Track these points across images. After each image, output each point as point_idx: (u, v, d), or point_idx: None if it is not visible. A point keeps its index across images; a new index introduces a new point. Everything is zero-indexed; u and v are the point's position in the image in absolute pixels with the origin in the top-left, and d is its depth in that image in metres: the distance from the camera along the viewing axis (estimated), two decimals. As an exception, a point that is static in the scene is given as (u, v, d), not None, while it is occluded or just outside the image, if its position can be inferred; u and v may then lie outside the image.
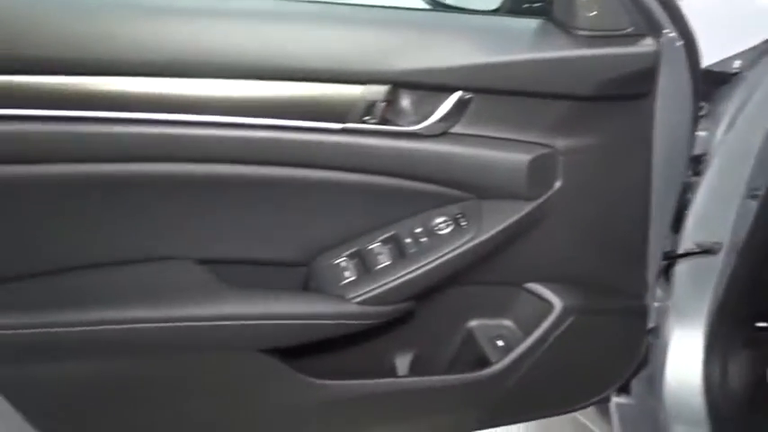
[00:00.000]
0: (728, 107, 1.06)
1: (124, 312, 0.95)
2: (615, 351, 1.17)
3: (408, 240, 1.02)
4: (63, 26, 0.87)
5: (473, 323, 1.15)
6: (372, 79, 0.91)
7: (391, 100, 0.93)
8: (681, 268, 1.11)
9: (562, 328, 1.10)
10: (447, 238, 1.01)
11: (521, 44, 0.93)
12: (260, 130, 0.92)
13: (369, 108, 0.92)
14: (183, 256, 1.01)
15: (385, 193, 1.00)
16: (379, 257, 1.02)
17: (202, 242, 1.01)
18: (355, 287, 1.00)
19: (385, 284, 1.00)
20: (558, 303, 1.10)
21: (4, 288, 0.96)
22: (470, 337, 1.15)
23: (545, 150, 0.99)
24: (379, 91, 0.92)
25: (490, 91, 0.94)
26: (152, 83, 0.89)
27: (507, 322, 1.15)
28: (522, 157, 0.98)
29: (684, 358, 1.13)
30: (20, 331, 0.93)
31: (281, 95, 0.91)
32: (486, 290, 1.12)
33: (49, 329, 0.93)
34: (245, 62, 0.89)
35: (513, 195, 1.01)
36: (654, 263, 1.11)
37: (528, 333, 1.11)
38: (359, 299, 0.99)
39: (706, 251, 1.09)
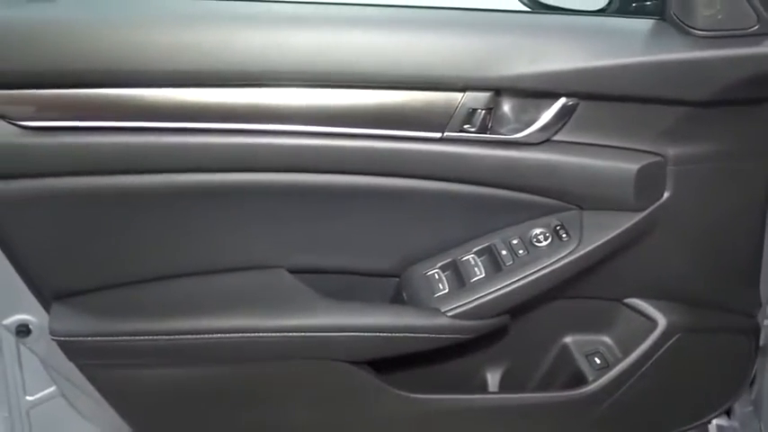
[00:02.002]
0: None
1: (220, 321, 0.95)
2: (722, 373, 1.10)
3: (504, 252, 0.97)
4: (157, 38, 0.87)
5: (568, 338, 1.10)
6: (473, 86, 0.88)
7: (492, 107, 0.89)
8: None
9: (666, 347, 1.04)
10: (545, 250, 0.96)
11: (632, 46, 0.87)
12: (357, 139, 0.90)
13: (469, 116, 0.89)
14: (276, 265, 1.00)
15: (481, 203, 0.97)
16: (474, 270, 0.98)
17: (296, 251, 0.99)
18: (449, 300, 0.97)
19: (479, 298, 0.96)
20: (662, 321, 1.04)
21: (111, 294, 0.97)
22: (565, 353, 1.10)
23: (654, 159, 0.93)
24: (479, 98, 0.88)
25: (598, 97, 0.89)
26: (245, 93, 0.87)
27: (605, 339, 1.10)
28: (629, 167, 0.92)
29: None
30: (123, 338, 0.94)
31: (378, 104, 0.88)
32: (583, 304, 1.07)
33: (151, 337, 0.94)
34: (341, 70, 0.87)
35: (619, 206, 0.95)
36: (767, 279, 1.04)
37: (628, 351, 1.06)
38: (452, 312, 0.96)
39: None
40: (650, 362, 1.04)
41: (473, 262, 0.99)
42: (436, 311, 0.96)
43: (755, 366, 1.10)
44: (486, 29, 0.91)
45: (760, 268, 1.03)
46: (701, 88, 0.86)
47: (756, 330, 1.08)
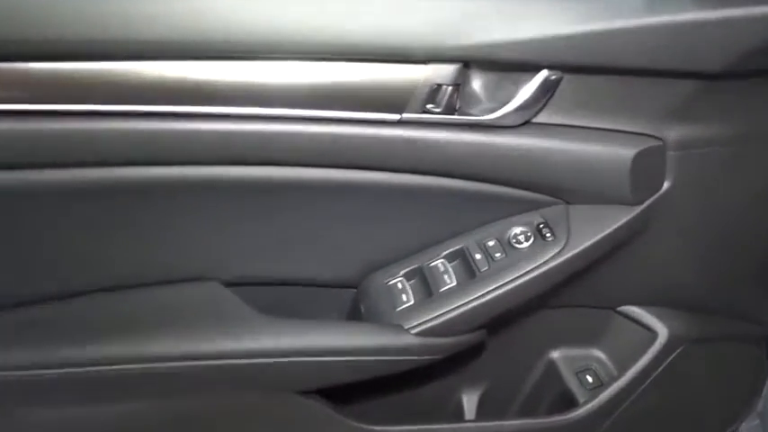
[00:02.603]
0: None
1: (140, 347, 0.79)
2: (730, 387, 0.97)
3: (479, 256, 0.83)
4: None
5: (555, 354, 0.97)
6: (437, 57, 0.73)
7: (460, 83, 0.74)
8: None
9: (668, 361, 0.91)
10: (527, 253, 0.81)
11: (629, 6, 0.73)
12: (298, 123, 0.74)
13: (432, 94, 0.74)
14: (209, 277, 0.84)
15: (450, 198, 0.82)
16: (444, 277, 0.83)
17: (231, 259, 0.84)
18: (414, 314, 0.82)
19: (450, 311, 0.81)
20: (662, 331, 0.90)
21: (4, 316, 0.81)
22: (552, 370, 0.96)
23: (653, 143, 0.79)
24: (444, 72, 0.73)
25: (587, 69, 0.74)
26: (158, 67, 0.71)
27: (598, 353, 0.96)
28: (624, 152, 0.78)
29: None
30: (18, 372, 0.77)
31: (323, 80, 0.73)
32: (571, 313, 0.93)
33: (53, 370, 0.77)
34: (276, 40, 0.71)
35: (612, 200, 0.81)
36: None
37: (624, 367, 0.92)
38: (418, 329, 0.81)
39: None
40: (650, 379, 0.91)
41: (442, 268, 0.84)
42: (399, 328, 0.81)
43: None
44: None
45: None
46: (713, 57, 0.72)
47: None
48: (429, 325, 0.81)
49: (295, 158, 0.76)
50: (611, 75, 0.75)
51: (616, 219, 0.81)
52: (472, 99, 0.77)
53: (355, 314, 0.88)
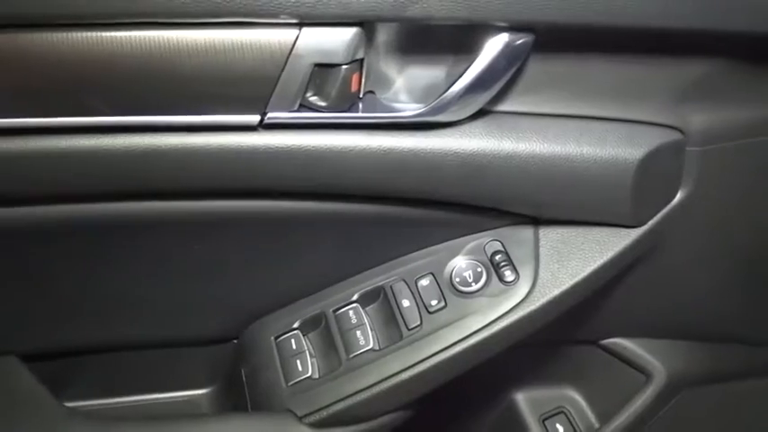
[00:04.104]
0: None
1: None
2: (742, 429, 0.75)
3: (406, 304, 0.56)
4: None
5: (518, 394, 0.72)
6: (320, 16, 0.42)
7: (363, 57, 0.44)
8: None
9: (666, 408, 0.67)
10: (477, 303, 0.55)
11: None
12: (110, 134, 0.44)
13: (315, 77, 0.43)
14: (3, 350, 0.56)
15: (364, 223, 0.54)
16: (356, 335, 0.57)
17: (37, 323, 0.56)
18: (314, 394, 0.56)
19: (365, 390, 0.55)
20: (658, 370, 0.68)
21: None
22: (513, 415, 0.73)
23: (670, 137, 0.51)
24: (334, 40, 0.42)
25: (568, 28, 0.45)
26: None
27: (572, 394, 0.72)
28: (626, 152, 0.50)
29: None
30: None
31: (136, 62, 0.42)
32: (540, 347, 0.68)
33: None
34: None
35: (603, 219, 0.54)
36: None
37: (606, 413, 0.69)
38: (318, 416, 0.55)
39: None
40: (642, 430, 0.68)
41: (354, 318, 0.58)
42: (289, 418, 0.55)
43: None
44: None
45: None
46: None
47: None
48: (334, 410, 0.55)
49: (128, 185, 0.47)
50: (612, 39, 0.45)
51: (610, 245, 0.55)
52: (383, 83, 0.47)
53: (233, 382, 0.61)
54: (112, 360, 0.60)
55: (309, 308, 0.59)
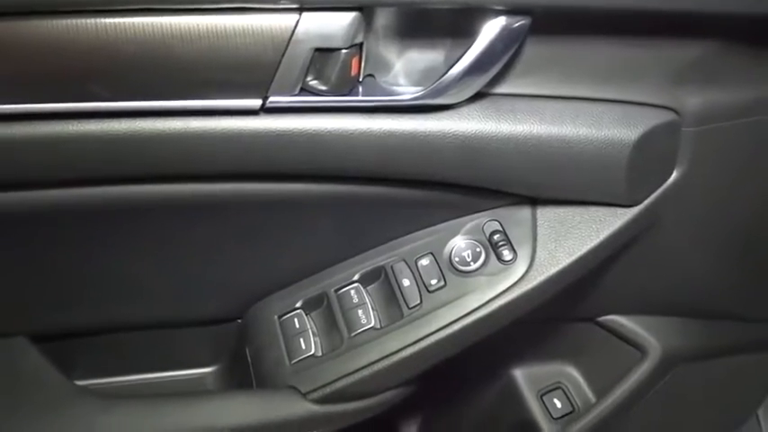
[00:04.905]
0: None
1: None
2: (734, 402, 0.76)
3: (407, 283, 0.57)
4: None
5: (516, 370, 0.74)
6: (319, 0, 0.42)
7: (362, 42, 0.45)
8: None
9: (661, 383, 0.69)
10: (476, 281, 0.56)
11: None
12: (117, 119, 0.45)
13: (317, 62, 0.44)
14: (13, 332, 0.58)
15: (365, 205, 0.55)
16: (358, 314, 0.58)
17: (42, 304, 0.57)
18: (317, 371, 0.57)
19: (367, 367, 0.56)
20: (654, 346, 0.69)
21: None
22: (511, 391, 0.74)
23: (665, 118, 0.52)
24: (332, 24, 0.43)
25: (565, 11, 0.45)
26: None
27: (570, 370, 0.73)
28: (622, 133, 0.51)
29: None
30: None
31: (134, 51, 0.43)
32: (538, 324, 0.69)
33: None
34: None
35: (600, 198, 0.55)
36: None
37: (603, 389, 0.71)
38: (321, 392, 0.57)
39: None
40: (637, 405, 0.69)
41: (356, 297, 0.59)
42: (293, 394, 0.57)
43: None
44: None
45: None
46: None
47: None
48: (337, 386, 0.57)
49: (132, 169, 0.48)
50: (608, 21, 0.46)
51: (606, 224, 0.56)
52: (382, 67, 0.47)
53: (237, 360, 0.63)
54: (119, 340, 0.61)
55: (311, 288, 0.61)
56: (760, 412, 0.80)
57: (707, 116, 0.53)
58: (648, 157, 0.53)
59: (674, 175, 0.55)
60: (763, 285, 0.69)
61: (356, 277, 0.59)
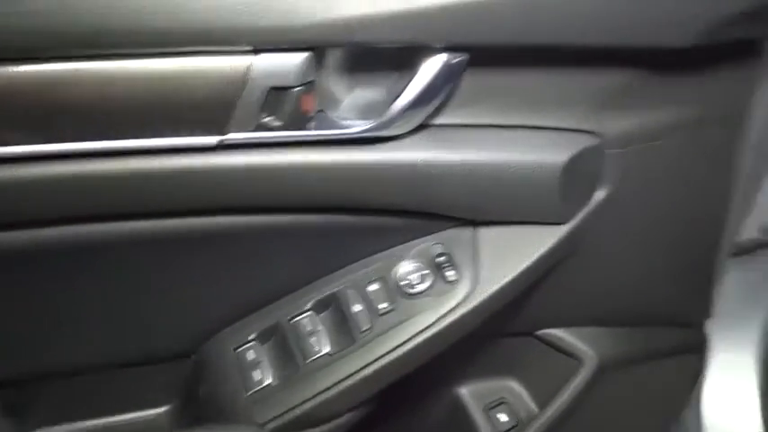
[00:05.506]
0: None
1: None
2: (665, 404, 0.81)
3: (358, 308, 0.59)
4: None
5: (462, 388, 0.76)
6: (270, 41, 0.45)
7: (313, 79, 0.47)
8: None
9: (597, 388, 0.73)
10: (423, 302, 0.59)
11: None
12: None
13: (271, 101, 0.46)
14: None
15: (317, 234, 0.57)
16: (311, 342, 0.59)
17: None
18: (274, 400, 0.58)
19: (323, 393, 0.58)
20: (590, 355, 0.73)
21: None
22: (458, 407, 0.76)
23: (589, 142, 0.57)
24: (286, 65, 0.45)
25: (501, 49, 0.49)
26: None
27: (512, 384, 0.77)
28: (552, 157, 0.56)
29: (735, 395, 0.79)
30: None
31: (94, 87, 0.43)
32: (480, 341, 0.72)
33: None
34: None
35: (534, 218, 0.59)
36: (720, 277, 0.75)
37: (545, 400, 0.74)
38: (280, 421, 0.58)
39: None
40: (577, 413, 0.73)
41: (309, 325, 0.60)
42: (250, 426, 0.57)
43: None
44: None
45: (717, 268, 0.73)
46: (682, 27, 0.49)
47: (705, 345, 0.79)
48: (293, 414, 0.58)
49: (85, 209, 0.48)
50: (537, 55, 0.50)
51: (541, 242, 0.60)
52: (333, 102, 0.50)
53: (193, 397, 0.63)
54: (71, 385, 0.60)
55: (265, 319, 0.61)
56: (686, 412, 0.85)
57: (627, 139, 0.58)
58: (576, 177, 0.57)
59: (602, 192, 0.60)
60: (684, 292, 0.75)
61: (309, 306, 0.61)
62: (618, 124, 0.57)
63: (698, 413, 0.81)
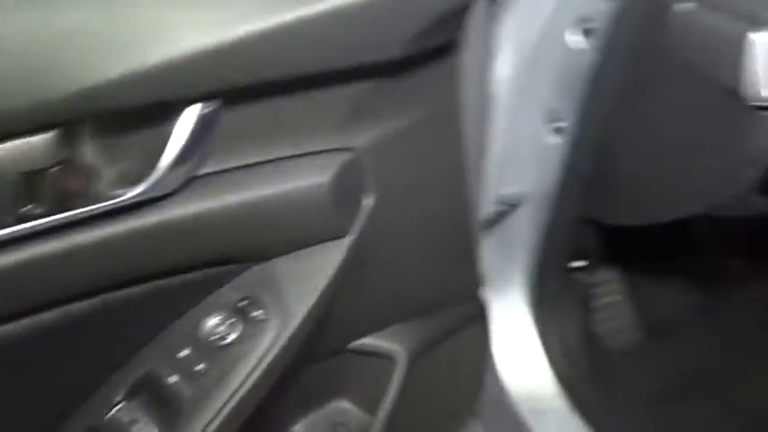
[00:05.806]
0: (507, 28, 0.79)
1: None
2: (469, 377, 0.90)
3: (174, 380, 0.57)
4: None
5: (295, 426, 0.77)
6: (14, 122, 0.42)
7: (68, 158, 0.45)
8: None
9: (414, 379, 0.79)
10: (238, 350, 0.59)
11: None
12: None
13: (24, 186, 0.43)
14: None
15: (112, 315, 0.54)
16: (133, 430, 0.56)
17: None
18: None
19: None
20: (400, 352, 0.77)
21: None
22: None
23: (346, 157, 0.62)
24: (36, 145, 0.43)
25: (249, 90, 0.52)
26: None
27: (343, 404, 0.79)
28: (317, 180, 0.59)
29: (520, 345, 0.90)
30: None
31: None
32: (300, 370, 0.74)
33: None
34: None
35: (319, 237, 0.62)
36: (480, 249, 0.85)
37: (374, 407, 0.78)
38: None
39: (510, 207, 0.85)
40: (402, 409, 0.78)
41: (127, 417, 0.56)
42: None
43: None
44: None
45: (477, 239, 0.83)
46: (389, 42, 0.56)
47: (484, 310, 0.89)
48: None
49: None
50: (282, 89, 0.54)
51: (332, 259, 0.63)
52: (96, 175, 0.48)
53: None
54: None
55: (73, 423, 0.56)
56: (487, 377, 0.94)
57: (375, 147, 0.64)
58: (343, 192, 0.62)
59: (367, 200, 0.66)
60: (458, 271, 0.84)
61: (121, 396, 0.57)
62: (366, 136, 0.63)
63: (495, 373, 0.90)
